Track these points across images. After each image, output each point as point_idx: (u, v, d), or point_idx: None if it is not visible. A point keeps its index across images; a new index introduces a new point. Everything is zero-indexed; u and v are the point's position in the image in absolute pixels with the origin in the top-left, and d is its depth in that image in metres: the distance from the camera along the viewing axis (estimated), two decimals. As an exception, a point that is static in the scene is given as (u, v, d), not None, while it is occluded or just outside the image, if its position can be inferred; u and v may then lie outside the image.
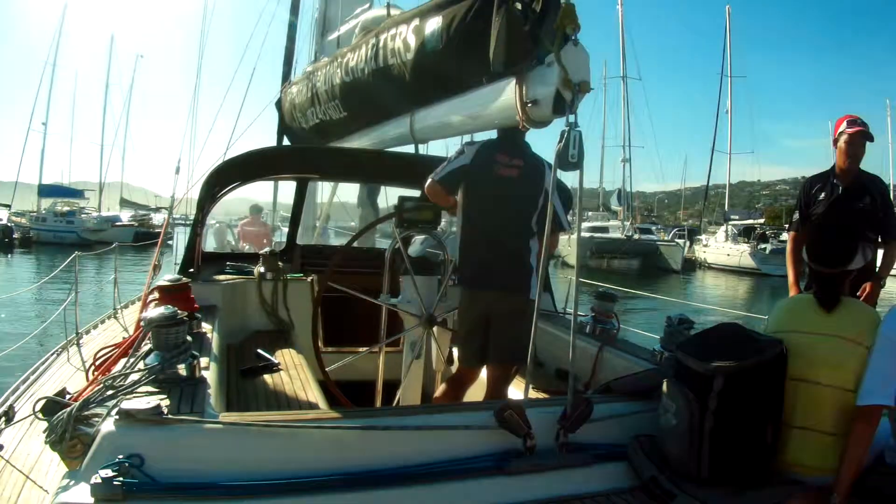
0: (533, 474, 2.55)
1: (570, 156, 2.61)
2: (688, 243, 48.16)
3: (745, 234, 45.19)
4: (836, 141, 4.53)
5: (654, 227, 53.97)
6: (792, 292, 4.60)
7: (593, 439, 2.72)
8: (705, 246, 48.84)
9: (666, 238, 49.37)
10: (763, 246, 41.01)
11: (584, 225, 47.71)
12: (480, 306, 3.80)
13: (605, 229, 45.19)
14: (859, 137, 4.44)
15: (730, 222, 47.86)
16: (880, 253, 4.47)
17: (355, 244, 4.75)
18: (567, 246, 43.94)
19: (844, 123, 4.49)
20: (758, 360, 2.55)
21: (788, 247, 5.01)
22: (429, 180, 3.83)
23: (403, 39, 3.84)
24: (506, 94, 3.10)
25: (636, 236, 43.26)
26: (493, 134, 3.87)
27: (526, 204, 3.68)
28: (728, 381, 2.51)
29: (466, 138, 4.25)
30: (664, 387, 2.70)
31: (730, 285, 35.74)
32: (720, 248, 46.09)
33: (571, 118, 2.69)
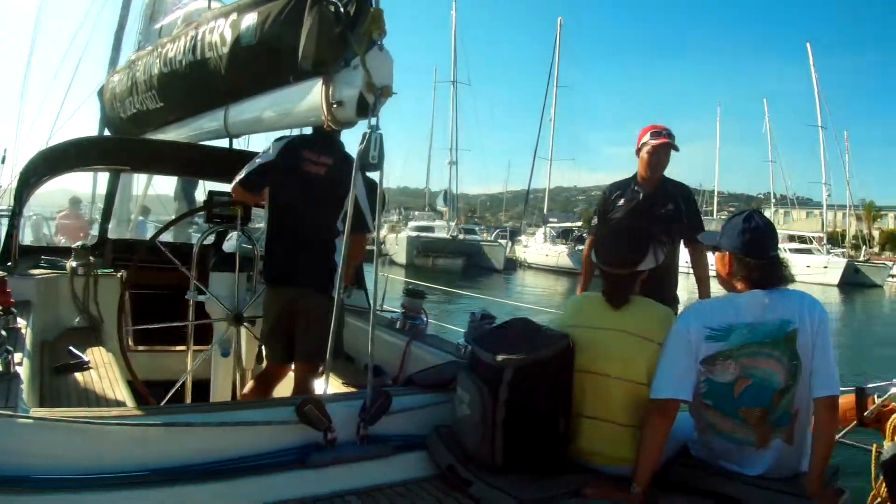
0: (334, 467, 2.61)
1: (371, 157, 2.68)
2: (509, 244, 49.95)
3: (563, 235, 47.35)
4: (639, 150, 4.52)
5: (477, 228, 55.61)
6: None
7: (394, 431, 2.81)
8: (525, 247, 50.77)
9: (489, 238, 51.01)
10: (580, 247, 43.08)
11: (411, 224, 48.66)
12: (283, 303, 3.82)
13: (431, 229, 46.09)
14: (662, 148, 4.44)
15: (548, 224, 49.99)
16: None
17: (170, 238, 4.63)
18: (395, 244, 44.48)
19: (648, 134, 4.48)
20: (544, 353, 2.67)
21: (585, 250, 5.09)
22: (234, 182, 3.85)
23: (220, 33, 3.82)
24: (313, 94, 3.14)
25: (461, 236, 44.33)
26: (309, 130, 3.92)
27: (332, 202, 3.72)
28: (517, 373, 2.62)
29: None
30: (460, 379, 2.80)
31: (548, 284, 37.24)
32: (539, 248, 48.05)
33: (374, 121, 2.76)
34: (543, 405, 2.69)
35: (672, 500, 2.53)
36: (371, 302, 3.07)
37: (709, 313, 2.64)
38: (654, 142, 4.43)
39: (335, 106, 2.94)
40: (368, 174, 3.15)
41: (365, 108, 2.80)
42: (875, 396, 4.03)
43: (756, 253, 2.62)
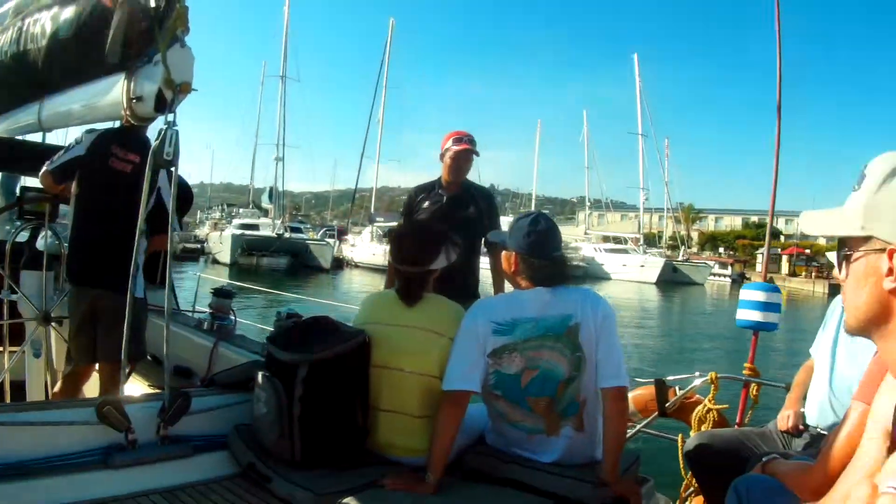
0: (135, 467, 2.61)
1: (166, 153, 2.69)
2: (337, 243, 49.82)
3: (389, 235, 47.80)
4: (442, 155, 4.64)
5: (303, 226, 55.07)
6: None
7: (195, 431, 2.84)
8: (353, 246, 50.99)
9: (316, 237, 50.66)
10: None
11: (235, 222, 47.41)
12: (87, 303, 3.74)
13: (255, 227, 45.22)
14: (464, 154, 4.58)
15: (375, 224, 50.31)
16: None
17: None
18: (218, 243, 43.17)
19: (450, 140, 4.59)
20: (339, 349, 2.73)
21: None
22: (43, 168, 3.78)
23: (42, 25, 3.73)
24: (117, 89, 3.10)
25: (287, 234, 43.72)
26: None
27: (137, 200, 3.65)
28: (312, 370, 2.68)
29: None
30: (258, 377, 2.82)
31: (375, 283, 37.36)
32: (366, 247, 48.38)
33: (171, 117, 2.76)
34: (340, 400, 2.76)
35: (466, 487, 2.64)
36: (166, 301, 3.05)
37: (494, 309, 2.77)
38: (456, 148, 4.58)
39: (135, 101, 2.91)
40: (166, 171, 3.14)
41: (164, 104, 2.79)
42: (677, 388, 4.40)
43: (539, 253, 2.75)
